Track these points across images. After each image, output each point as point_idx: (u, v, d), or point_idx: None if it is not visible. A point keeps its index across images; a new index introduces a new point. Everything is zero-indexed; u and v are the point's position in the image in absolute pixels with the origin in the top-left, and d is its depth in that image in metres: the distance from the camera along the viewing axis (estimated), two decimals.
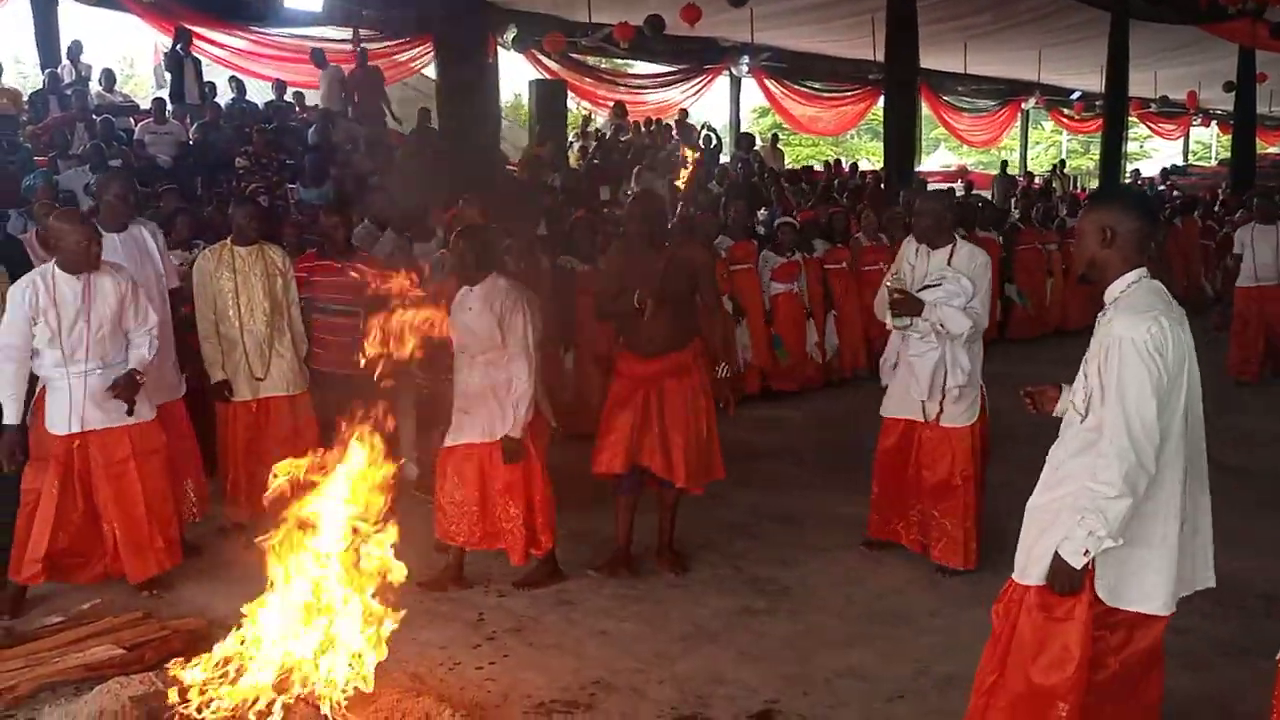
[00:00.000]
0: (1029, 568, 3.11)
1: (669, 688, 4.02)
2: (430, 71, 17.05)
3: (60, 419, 4.64)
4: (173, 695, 3.35)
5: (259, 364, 5.63)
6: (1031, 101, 26.54)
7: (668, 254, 4.98)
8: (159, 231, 5.66)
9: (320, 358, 5.89)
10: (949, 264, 4.91)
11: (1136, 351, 2.88)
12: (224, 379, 5.59)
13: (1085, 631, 3.00)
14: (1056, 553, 2.97)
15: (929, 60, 17.41)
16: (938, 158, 32.26)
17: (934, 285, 4.88)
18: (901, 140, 14.12)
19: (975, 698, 3.23)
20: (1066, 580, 2.98)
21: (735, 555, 5.42)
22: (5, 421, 4.54)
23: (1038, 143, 36.19)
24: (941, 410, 4.99)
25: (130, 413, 4.74)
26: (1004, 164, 20.74)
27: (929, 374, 4.94)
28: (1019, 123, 27.96)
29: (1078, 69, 22.69)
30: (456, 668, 4.18)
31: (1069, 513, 2.97)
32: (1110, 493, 2.87)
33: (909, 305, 4.86)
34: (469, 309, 4.79)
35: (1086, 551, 2.92)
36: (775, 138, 19.37)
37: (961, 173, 19.93)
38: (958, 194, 14.73)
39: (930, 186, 13.36)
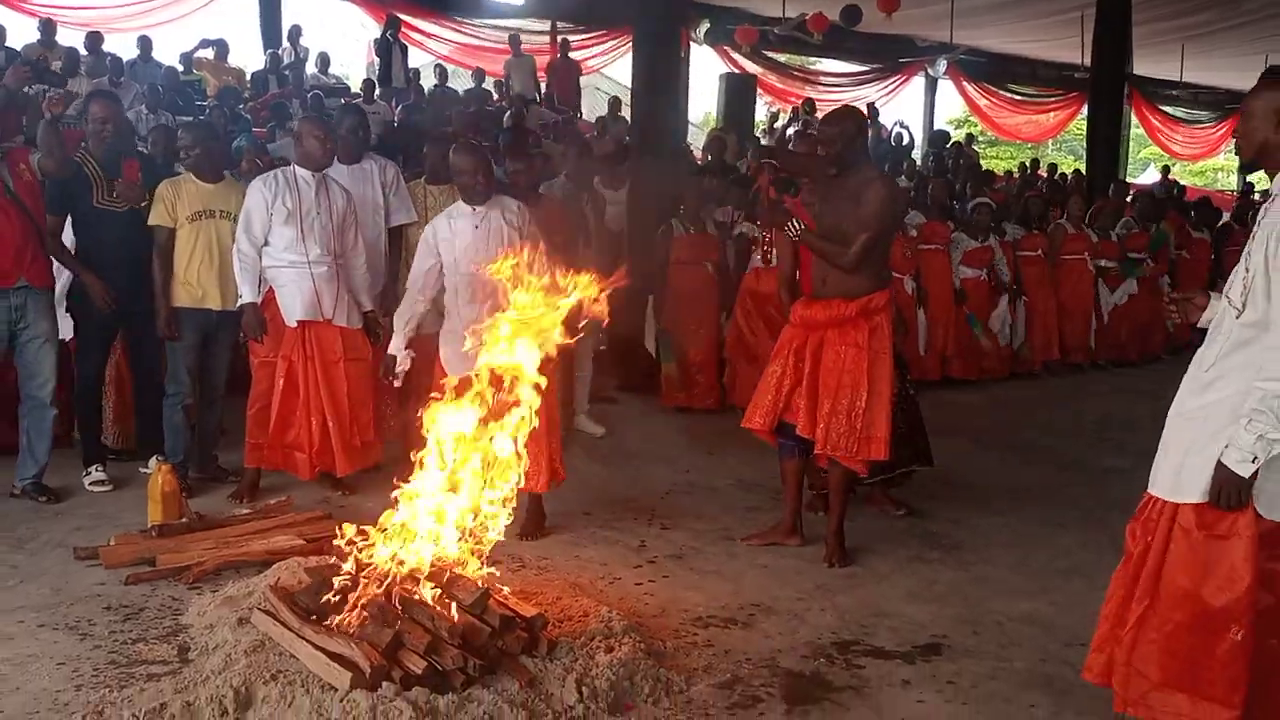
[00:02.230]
0: (1184, 484, 2.79)
1: (830, 615, 3.91)
2: (612, 70, 17.48)
3: (292, 308, 4.97)
4: (344, 565, 3.46)
5: None
6: None
7: (857, 182, 4.34)
8: (390, 166, 5.81)
9: None
10: None
11: None
12: None
13: (1251, 548, 2.70)
14: (1220, 463, 2.69)
15: (1142, 66, 16.41)
16: (1146, 178, 30.58)
17: None
18: (1106, 149, 13.30)
19: (1112, 628, 2.93)
20: (1234, 492, 2.68)
21: (910, 512, 5.22)
22: (246, 300, 4.96)
23: None
24: None
25: (353, 321, 5.09)
26: (1166, 169, 19.50)
27: None
28: None
29: None
30: (616, 582, 4.18)
31: (1228, 418, 2.68)
32: None
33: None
34: None
35: (1255, 458, 2.64)
36: (970, 138, 18.76)
37: (1164, 173, 18.80)
38: (1159, 192, 13.79)
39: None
